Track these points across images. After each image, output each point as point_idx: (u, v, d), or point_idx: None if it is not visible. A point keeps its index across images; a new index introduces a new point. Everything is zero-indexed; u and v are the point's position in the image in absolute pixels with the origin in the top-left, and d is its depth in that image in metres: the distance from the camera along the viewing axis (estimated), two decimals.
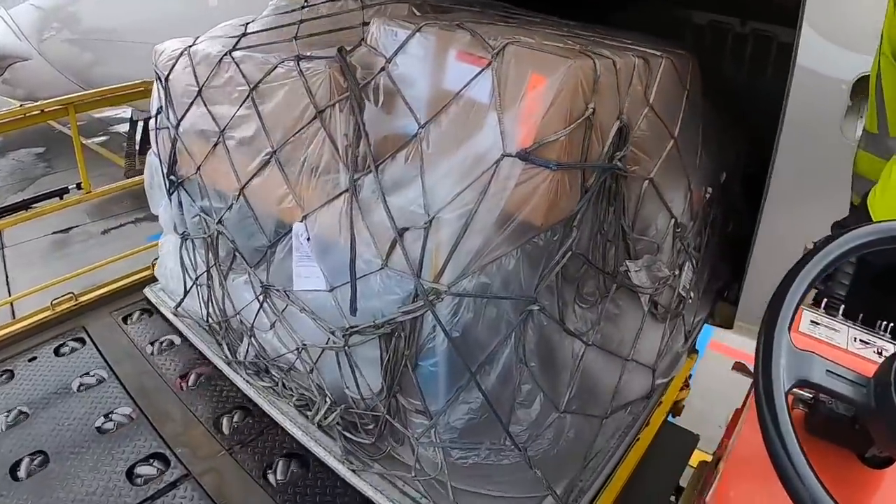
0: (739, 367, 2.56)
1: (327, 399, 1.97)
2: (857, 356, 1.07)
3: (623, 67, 1.61)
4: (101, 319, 2.68)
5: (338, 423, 1.97)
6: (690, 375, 2.61)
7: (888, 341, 1.11)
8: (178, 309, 2.55)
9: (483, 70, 1.50)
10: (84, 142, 3.79)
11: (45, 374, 2.36)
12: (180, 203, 2.34)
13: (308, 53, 1.79)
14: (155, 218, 6.22)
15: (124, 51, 5.33)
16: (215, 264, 2.23)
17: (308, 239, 1.79)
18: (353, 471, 1.89)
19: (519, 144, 1.47)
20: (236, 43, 2.04)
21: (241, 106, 1.92)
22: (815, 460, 0.87)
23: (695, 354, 2.55)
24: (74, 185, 4.83)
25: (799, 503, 0.78)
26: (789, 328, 0.87)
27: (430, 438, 1.76)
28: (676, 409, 2.58)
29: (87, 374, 2.35)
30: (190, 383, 2.31)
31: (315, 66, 1.72)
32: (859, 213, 1.50)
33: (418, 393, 1.73)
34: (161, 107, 2.32)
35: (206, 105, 2.07)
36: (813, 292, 1.35)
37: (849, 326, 1.15)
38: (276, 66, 1.81)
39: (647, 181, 1.86)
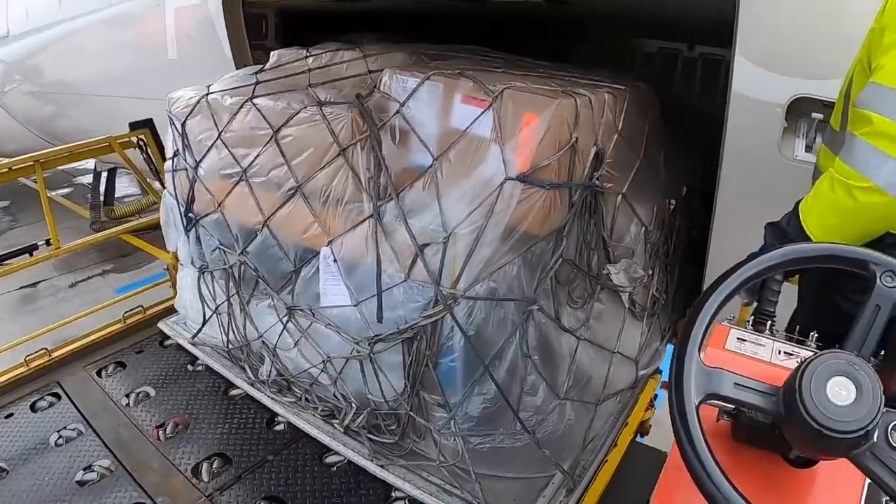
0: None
1: (353, 405, 2.31)
2: (779, 367, 1.19)
3: (597, 102, 2.06)
4: (76, 374, 2.83)
5: (363, 427, 2.30)
6: (656, 396, 2.82)
7: (812, 351, 1.21)
8: (195, 338, 2.84)
9: (485, 111, 1.92)
10: (49, 194, 4.00)
11: (23, 430, 2.49)
12: (198, 238, 2.66)
13: (327, 99, 2.18)
14: (121, 270, 6.39)
15: (86, 103, 5.63)
16: (237, 292, 2.55)
17: (335, 260, 2.15)
18: (382, 466, 2.22)
19: (518, 170, 1.89)
20: (254, 91, 2.41)
21: (264, 147, 2.28)
22: (743, 465, 1.04)
23: (658, 375, 2.77)
24: (44, 242, 5.03)
25: None
26: (700, 347, 1.00)
27: (451, 429, 2.12)
28: (643, 428, 2.80)
29: (64, 428, 2.49)
30: (167, 433, 2.45)
31: (337, 110, 2.11)
32: (790, 218, 1.73)
33: (439, 388, 2.09)
34: (177, 150, 2.65)
35: (226, 147, 2.43)
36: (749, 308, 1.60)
37: (774, 340, 1.28)
38: (300, 112, 2.19)
39: (620, 196, 2.30)
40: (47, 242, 4.16)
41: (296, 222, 2.27)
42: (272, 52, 2.91)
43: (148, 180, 4.33)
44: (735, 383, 0.98)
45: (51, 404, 2.65)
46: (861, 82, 1.63)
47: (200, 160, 2.55)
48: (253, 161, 2.35)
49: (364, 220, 2.08)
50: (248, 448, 2.38)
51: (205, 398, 2.65)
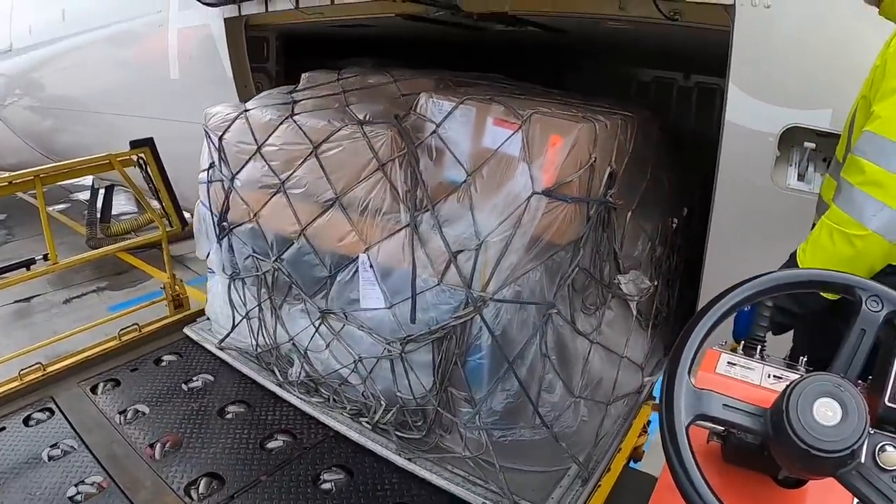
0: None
1: (381, 402, 2.58)
2: (767, 390, 1.28)
3: (611, 127, 2.41)
4: (70, 390, 2.95)
5: (390, 423, 2.57)
6: (649, 422, 2.96)
7: (801, 375, 1.24)
8: (222, 343, 3.10)
9: (515, 132, 2.25)
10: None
11: (15, 444, 2.59)
12: (230, 247, 2.94)
13: (365, 118, 2.50)
14: (116, 287, 6.64)
15: (85, 120, 5.88)
16: (269, 298, 2.82)
17: (371, 266, 2.44)
18: (409, 459, 2.48)
19: (544, 185, 2.22)
20: (293, 109, 2.72)
21: (304, 161, 2.59)
22: (733, 486, 1.11)
23: (652, 401, 2.93)
24: (41, 256, 5.14)
25: None
26: (689, 370, 1.07)
27: (476, 423, 2.41)
28: (637, 454, 2.94)
29: (56, 444, 2.58)
30: (159, 451, 2.56)
31: (377, 129, 2.43)
32: (790, 262, 1.85)
33: (466, 384, 2.38)
34: (213, 162, 2.94)
35: (265, 160, 2.73)
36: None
37: (764, 364, 1.37)
38: (340, 129, 2.50)
39: (629, 212, 2.64)
40: (45, 257, 4.22)
41: (333, 231, 2.57)
42: (303, 74, 3.24)
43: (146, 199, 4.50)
44: (724, 404, 1.06)
45: (44, 419, 2.76)
46: (863, 120, 1.71)
47: (237, 172, 2.84)
48: (292, 174, 2.65)
49: (401, 229, 2.39)
50: (242, 468, 2.49)
51: (199, 417, 2.78)
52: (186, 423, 2.74)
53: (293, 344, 2.82)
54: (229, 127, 2.88)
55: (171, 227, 4.01)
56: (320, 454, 2.58)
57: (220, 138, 2.91)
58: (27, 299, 5.96)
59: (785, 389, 1.01)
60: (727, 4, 2.27)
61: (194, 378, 3.05)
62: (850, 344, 1.11)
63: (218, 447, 2.60)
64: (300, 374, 2.82)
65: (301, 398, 2.79)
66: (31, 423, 2.74)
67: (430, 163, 2.40)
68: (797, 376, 1.09)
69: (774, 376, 1.32)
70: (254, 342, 2.97)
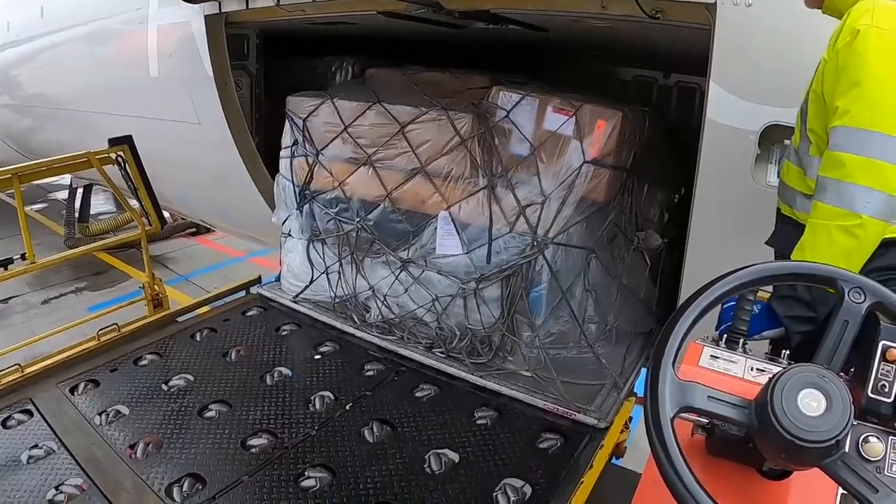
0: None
1: (456, 333, 3.76)
2: (751, 382, 1.42)
3: (635, 116, 3.71)
4: (48, 391, 3.31)
5: (463, 350, 3.74)
6: (631, 418, 3.60)
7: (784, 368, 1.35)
8: (298, 297, 4.22)
9: (570, 117, 3.51)
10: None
11: None
12: (311, 213, 4.07)
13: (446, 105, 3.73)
14: (95, 288, 7.65)
15: (63, 118, 6.59)
16: (351, 253, 3.96)
17: (452, 220, 3.64)
18: (481, 377, 3.65)
19: (591, 156, 3.49)
20: (377, 97, 3.90)
21: (392, 138, 3.77)
22: (718, 478, 1.28)
23: (633, 397, 3.51)
24: (19, 256, 5.80)
25: None
26: (674, 362, 1.22)
27: (536, 343, 3.62)
28: (619, 450, 3.49)
29: (36, 446, 2.87)
30: (139, 452, 2.86)
31: (459, 113, 3.64)
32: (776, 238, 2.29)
33: (528, 312, 3.59)
34: (296, 140, 4.08)
35: (352, 138, 3.89)
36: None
37: (746, 358, 1.54)
38: (426, 112, 3.70)
39: (647, 184, 3.94)
40: (22, 257, 4.76)
41: (417, 195, 3.76)
42: (367, 70, 4.42)
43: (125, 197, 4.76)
44: (709, 396, 1.19)
45: (22, 421, 3.08)
46: (815, 110, 2.05)
47: (323, 148, 3.99)
48: (379, 149, 3.82)
49: (479, 190, 3.61)
50: (223, 469, 2.79)
51: (179, 417, 3.15)
52: (167, 423, 3.10)
53: (373, 291, 3.97)
54: (314, 110, 4.02)
55: (151, 225, 4.60)
56: (302, 453, 2.94)
57: (305, 120, 4.05)
58: (5, 300, 6.72)
59: (769, 381, 1.15)
60: (708, 3, 2.68)
61: (174, 378, 3.49)
62: (833, 335, 1.24)
63: (199, 447, 2.93)
64: (378, 317, 3.96)
65: (379, 336, 3.93)
66: (10, 425, 3.07)
67: (504, 140, 3.64)
68: (780, 369, 1.21)
69: (757, 369, 1.51)
70: (332, 293, 4.10)
